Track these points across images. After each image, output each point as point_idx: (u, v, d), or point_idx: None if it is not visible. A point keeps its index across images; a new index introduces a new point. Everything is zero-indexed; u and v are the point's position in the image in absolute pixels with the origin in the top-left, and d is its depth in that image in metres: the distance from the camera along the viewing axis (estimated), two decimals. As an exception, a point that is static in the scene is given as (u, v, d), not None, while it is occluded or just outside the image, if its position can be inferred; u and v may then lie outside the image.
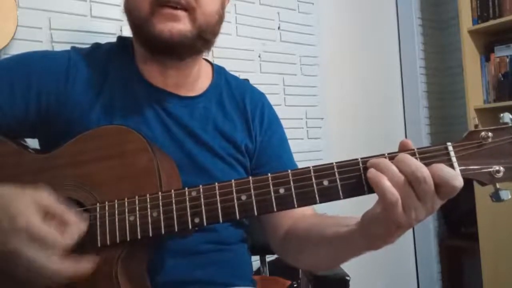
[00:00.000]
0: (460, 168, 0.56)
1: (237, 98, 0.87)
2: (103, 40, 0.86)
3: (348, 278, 1.16)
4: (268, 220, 0.82)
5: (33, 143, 0.80)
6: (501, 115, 0.58)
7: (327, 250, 0.69)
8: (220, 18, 0.79)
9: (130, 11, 0.75)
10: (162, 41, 0.71)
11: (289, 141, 0.93)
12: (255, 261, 1.40)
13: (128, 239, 0.60)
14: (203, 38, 0.75)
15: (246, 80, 1.00)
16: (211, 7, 0.75)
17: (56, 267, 0.56)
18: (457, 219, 2.47)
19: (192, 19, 0.72)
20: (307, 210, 0.80)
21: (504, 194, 0.56)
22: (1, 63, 0.80)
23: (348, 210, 0.82)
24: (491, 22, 2.21)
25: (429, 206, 0.54)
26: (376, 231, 0.57)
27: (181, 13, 0.71)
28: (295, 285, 1.34)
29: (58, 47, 1.34)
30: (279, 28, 2.00)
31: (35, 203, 0.57)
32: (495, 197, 0.56)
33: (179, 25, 0.71)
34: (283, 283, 1.38)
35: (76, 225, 0.58)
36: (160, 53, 0.75)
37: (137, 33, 0.76)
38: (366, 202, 0.60)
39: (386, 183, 0.53)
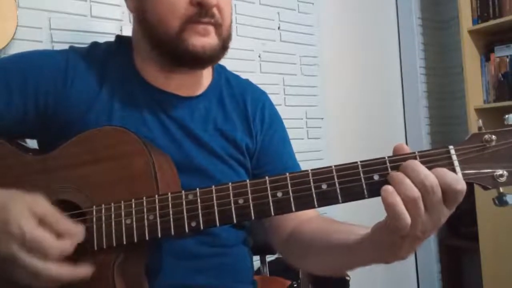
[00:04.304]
0: (462, 172, 0.54)
1: (238, 97, 0.86)
2: (103, 40, 0.86)
3: (348, 278, 1.16)
4: (272, 220, 0.80)
5: (32, 143, 0.80)
6: (506, 116, 0.55)
7: (334, 257, 0.68)
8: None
9: (154, 24, 0.74)
10: (194, 56, 0.73)
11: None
12: (255, 261, 1.40)
13: (125, 242, 0.60)
14: (226, 48, 0.78)
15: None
16: (230, 19, 0.78)
17: (53, 272, 0.55)
18: (457, 219, 2.47)
19: (218, 34, 0.75)
20: (312, 211, 0.79)
21: (510, 199, 0.54)
22: None
23: (347, 208, 0.81)
24: (491, 22, 2.21)
25: (436, 217, 0.53)
26: (382, 241, 0.56)
27: (211, 29, 0.73)
28: (295, 285, 1.34)
29: (58, 47, 1.34)
30: (279, 28, 2.00)
31: (30, 209, 0.56)
32: (499, 201, 0.55)
33: (210, 39, 0.73)
34: (283, 283, 1.38)
35: (72, 234, 0.58)
36: (186, 65, 0.76)
37: (161, 47, 0.75)
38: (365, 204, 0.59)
39: (401, 207, 0.51)
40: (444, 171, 0.53)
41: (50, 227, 0.57)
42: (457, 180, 0.52)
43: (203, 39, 0.73)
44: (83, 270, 0.57)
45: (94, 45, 0.83)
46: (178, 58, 0.75)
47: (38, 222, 0.56)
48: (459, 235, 2.50)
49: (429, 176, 0.52)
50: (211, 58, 0.75)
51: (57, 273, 0.55)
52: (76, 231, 0.58)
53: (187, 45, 0.72)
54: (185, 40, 0.72)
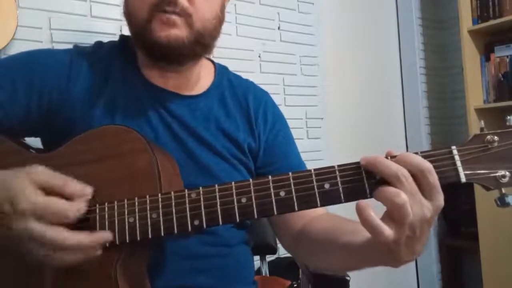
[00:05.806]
0: (464, 172, 0.55)
1: (240, 97, 0.86)
2: (103, 40, 0.86)
3: (348, 278, 1.16)
4: (280, 218, 0.80)
5: (35, 142, 0.80)
6: (508, 117, 0.56)
7: (343, 257, 0.67)
8: (220, 22, 0.79)
9: (129, 15, 0.76)
10: (159, 47, 0.72)
11: (290, 141, 0.92)
12: (255, 261, 1.40)
13: (128, 240, 0.60)
14: (202, 43, 0.75)
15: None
16: (209, 13, 0.75)
17: (72, 239, 0.55)
18: (457, 219, 2.47)
19: (189, 25, 0.72)
20: (320, 209, 0.79)
21: (511, 199, 0.54)
22: (3, 62, 0.80)
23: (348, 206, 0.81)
24: (491, 22, 2.21)
25: (418, 210, 0.52)
26: (379, 247, 0.55)
27: (177, 19, 0.71)
28: (295, 285, 1.34)
29: (58, 47, 1.34)
30: (279, 28, 2.00)
31: (32, 180, 0.57)
32: (501, 202, 0.55)
33: (176, 30, 0.71)
34: (283, 283, 1.38)
35: (81, 193, 0.58)
36: (159, 58, 0.76)
37: (136, 38, 0.76)
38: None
39: (378, 221, 0.52)
40: (407, 155, 0.54)
41: (57, 192, 0.57)
42: (422, 160, 0.53)
43: (168, 30, 0.71)
44: (104, 235, 0.58)
45: (98, 44, 0.84)
46: (149, 51, 0.75)
47: (43, 190, 0.56)
48: (459, 235, 2.50)
49: (394, 165, 0.53)
50: (178, 50, 0.72)
51: (76, 241, 0.56)
52: (84, 188, 0.59)
53: (153, 35, 0.71)
54: (151, 31, 0.71)
